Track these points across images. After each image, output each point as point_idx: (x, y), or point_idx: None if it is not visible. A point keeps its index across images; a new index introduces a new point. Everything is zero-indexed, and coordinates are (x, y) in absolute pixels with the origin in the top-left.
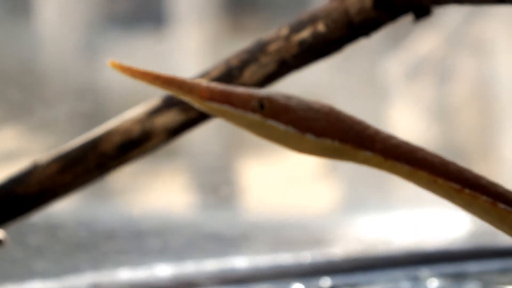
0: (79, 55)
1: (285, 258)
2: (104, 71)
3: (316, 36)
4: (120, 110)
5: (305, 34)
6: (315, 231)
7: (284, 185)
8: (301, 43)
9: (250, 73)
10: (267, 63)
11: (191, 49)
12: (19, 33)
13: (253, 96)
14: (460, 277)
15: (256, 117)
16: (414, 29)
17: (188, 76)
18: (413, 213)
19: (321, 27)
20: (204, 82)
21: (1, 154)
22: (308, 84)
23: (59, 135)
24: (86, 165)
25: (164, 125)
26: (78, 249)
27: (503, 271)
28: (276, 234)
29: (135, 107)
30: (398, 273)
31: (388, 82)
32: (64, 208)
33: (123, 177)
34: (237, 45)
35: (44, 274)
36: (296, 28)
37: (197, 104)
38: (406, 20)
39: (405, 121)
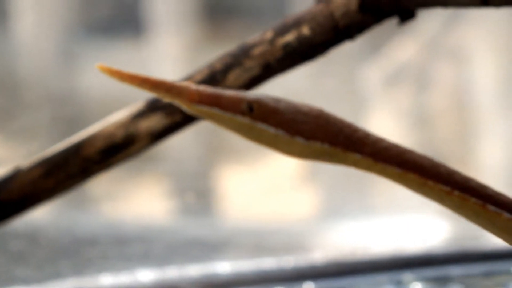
0: (58, 62)
1: (268, 263)
2: (83, 77)
3: (300, 40)
4: (99, 115)
5: (289, 37)
6: (295, 238)
7: (264, 191)
8: (286, 46)
9: (234, 77)
10: (251, 67)
11: (169, 56)
12: None
13: (242, 99)
14: (443, 280)
15: (245, 120)
16: (393, 36)
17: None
18: (392, 219)
19: (305, 30)
20: (193, 85)
21: None
22: (288, 90)
23: (40, 141)
24: (69, 169)
25: (148, 129)
26: (60, 255)
27: (486, 275)
28: (256, 240)
29: (118, 111)
30: (382, 277)
31: (367, 89)
32: (45, 214)
33: (102, 183)
34: (215, 52)
35: (26, 280)
36: (281, 31)
37: (186, 107)
38: (385, 27)
39: (384, 127)
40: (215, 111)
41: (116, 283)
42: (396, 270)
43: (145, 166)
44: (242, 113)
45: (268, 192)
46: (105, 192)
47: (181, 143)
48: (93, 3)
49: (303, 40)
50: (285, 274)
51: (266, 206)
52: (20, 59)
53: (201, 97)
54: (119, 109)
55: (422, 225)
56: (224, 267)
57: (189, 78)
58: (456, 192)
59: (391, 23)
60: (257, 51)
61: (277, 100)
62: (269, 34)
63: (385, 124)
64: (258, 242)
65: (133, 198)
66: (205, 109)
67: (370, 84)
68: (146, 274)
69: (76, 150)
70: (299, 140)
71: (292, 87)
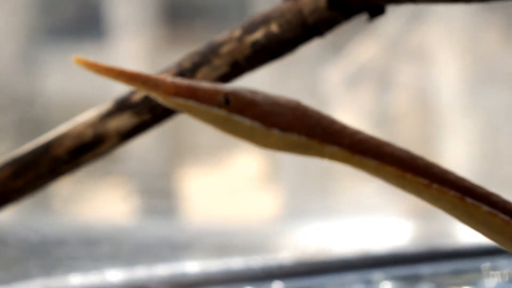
0: (21, 65)
1: (236, 263)
2: (46, 80)
3: (269, 37)
4: (64, 117)
5: (258, 35)
6: (259, 238)
7: (228, 192)
8: (254, 44)
9: (202, 75)
10: (220, 65)
11: (133, 58)
12: None
13: (218, 91)
14: (413, 279)
15: (221, 112)
16: (355, 36)
17: (126, 88)
18: (356, 220)
19: (274, 27)
20: (169, 78)
21: None
22: None
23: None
24: (38, 169)
25: (117, 128)
26: (28, 256)
27: (456, 273)
28: (221, 240)
29: (86, 111)
30: (351, 277)
31: (328, 90)
32: (12, 215)
33: (68, 185)
34: (179, 53)
35: None
36: (249, 29)
37: (162, 100)
38: (346, 27)
39: None
40: (191, 103)
41: (85, 283)
42: (366, 269)
43: (110, 167)
44: (219, 105)
45: (232, 193)
46: (71, 194)
47: (145, 144)
48: (54, 6)
49: (272, 37)
50: (254, 273)
51: (230, 207)
52: None
53: (177, 89)
54: (83, 110)
55: (386, 225)
56: (192, 266)
57: None
58: (435, 185)
59: (352, 23)
60: (225, 49)
61: (254, 92)
62: (237, 32)
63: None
64: (223, 242)
65: (99, 199)
66: (181, 101)
67: (332, 84)
68: (115, 274)
69: (45, 150)
70: (276, 132)
71: (253, 88)
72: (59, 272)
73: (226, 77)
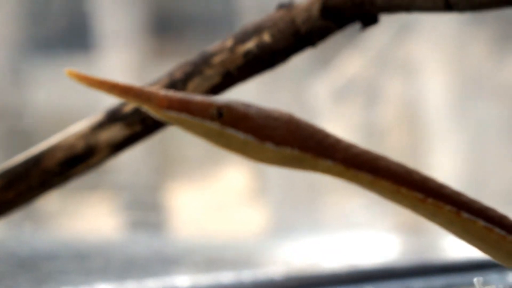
0: (8, 79)
1: (227, 277)
2: (34, 93)
3: (261, 47)
4: (52, 129)
5: (250, 45)
6: (247, 253)
7: (216, 207)
8: (246, 54)
9: (194, 85)
10: (212, 75)
11: (120, 71)
12: None
13: (211, 104)
14: None
15: (214, 126)
16: (342, 50)
17: (117, 100)
18: (343, 235)
19: (266, 37)
20: (162, 91)
21: None
22: None
23: None
24: (29, 181)
25: (108, 140)
26: (18, 270)
27: (448, 287)
28: (208, 255)
29: (77, 123)
30: None
31: (316, 103)
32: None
33: (56, 198)
34: (165, 67)
35: None
36: (241, 39)
37: (155, 113)
38: (334, 40)
39: None
40: (184, 116)
41: None
42: (357, 283)
43: (98, 181)
44: (211, 118)
45: (220, 207)
46: (60, 208)
47: (133, 158)
48: (44, 18)
49: (264, 47)
50: (244, 287)
51: (218, 221)
52: None
53: (170, 102)
54: (72, 122)
55: (374, 240)
56: (183, 280)
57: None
58: (430, 200)
59: (341, 36)
60: (217, 59)
61: (247, 105)
62: (229, 42)
63: None
64: (211, 256)
65: (88, 213)
66: (174, 114)
67: (320, 98)
68: (105, 287)
69: (36, 161)
70: (269, 145)
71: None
72: (49, 286)
73: (218, 88)
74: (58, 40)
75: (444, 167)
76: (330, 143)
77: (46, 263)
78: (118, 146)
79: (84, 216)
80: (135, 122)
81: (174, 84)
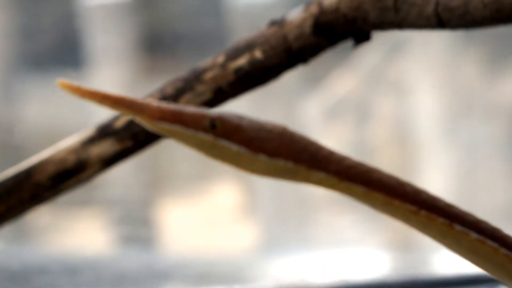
0: None
1: None
2: (24, 110)
3: (253, 63)
4: (41, 145)
5: (241, 61)
6: (236, 269)
7: (206, 223)
8: (238, 70)
9: (185, 101)
10: (203, 91)
11: (109, 89)
12: None
13: (205, 116)
14: None
15: (208, 137)
16: (333, 69)
17: (107, 115)
18: (333, 252)
19: (258, 53)
20: (154, 102)
21: None
22: None
23: None
24: (20, 195)
25: (99, 155)
26: (9, 284)
27: None
28: (197, 271)
29: (67, 138)
30: None
31: (307, 121)
32: None
33: (44, 215)
34: (156, 83)
35: None
36: (232, 55)
37: (147, 124)
38: (325, 59)
39: None
40: (177, 128)
41: None
42: None
43: (88, 196)
44: (205, 130)
45: (210, 223)
46: (50, 223)
47: (123, 173)
48: (34, 34)
49: (256, 63)
50: None
51: (208, 237)
52: None
53: (162, 114)
54: (63, 138)
55: (364, 256)
56: None
57: None
58: (423, 212)
59: (332, 55)
60: (208, 75)
61: (240, 117)
62: (221, 58)
63: None
64: (202, 272)
65: (78, 228)
66: (167, 126)
67: (311, 116)
68: None
69: (27, 175)
70: (262, 157)
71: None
72: None
73: (210, 104)
74: (49, 57)
75: (435, 185)
76: (323, 155)
77: (37, 277)
78: (109, 161)
79: (75, 231)
80: (126, 137)
81: (166, 99)
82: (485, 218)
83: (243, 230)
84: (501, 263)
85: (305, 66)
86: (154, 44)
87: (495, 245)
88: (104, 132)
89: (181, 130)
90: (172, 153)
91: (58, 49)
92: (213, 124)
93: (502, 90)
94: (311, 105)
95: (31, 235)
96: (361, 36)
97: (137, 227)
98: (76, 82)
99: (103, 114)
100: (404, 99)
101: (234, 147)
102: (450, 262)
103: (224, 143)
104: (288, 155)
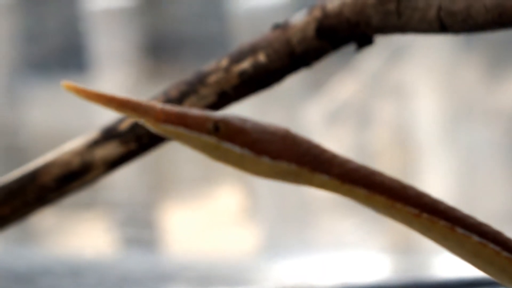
0: (2, 97)
1: None
2: (29, 114)
3: (256, 67)
4: (45, 148)
5: (245, 64)
6: (238, 272)
7: (208, 226)
8: (241, 74)
9: (189, 104)
10: (207, 94)
11: (114, 92)
12: None
13: (208, 118)
14: None
15: (211, 140)
16: (335, 73)
17: (110, 118)
18: (334, 255)
19: (262, 57)
20: (159, 104)
21: None
22: None
23: None
24: (25, 197)
25: (104, 157)
26: (14, 285)
27: None
28: (199, 274)
29: (72, 140)
30: None
31: (309, 126)
32: None
33: (48, 217)
34: (159, 88)
35: None
36: (236, 58)
37: (152, 126)
38: (327, 64)
39: None
40: (181, 130)
41: None
42: None
43: (92, 199)
44: (208, 132)
45: (212, 226)
46: (55, 225)
47: (127, 176)
48: (38, 38)
49: (259, 67)
50: None
51: (211, 240)
52: None
53: (167, 116)
54: (66, 141)
55: (365, 260)
56: None
57: None
58: (425, 215)
59: (333, 60)
60: (212, 78)
61: (244, 120)
62: (224, 62)
63: None
64: (204, 275)
65: (82, 230)
66: (171, 128)
67: (313, 121)
68: None
69: (32, 177)
70: (266, 160)
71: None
72: None
73: (213, 107)
74: (54, 60)
75: (436, 189)
76: (326, 158)
77: (41, 278)
78: (114, 163)
79: (78, 233)
80: (130, 140)
81: (170, 102)
82: (486, 221)
83: (245, 232)
84: (503, 266)
85: (308, 69)
86: (157, 48)
87: (497, 248)
88: (109, 134)
89: (185, 132)
90: (176, 156)
91: (62, 53)
92: (216, 126)
93: (502, 94)
94: (313, 109)
95: (36, 236)
96: (364, 40)
97: (141, 229)
98: (80, 85)
99: (107, 117)
100: (405, 104)
101: (237, 150)
102: (450, 265)
103: (227, 145)
104: (291, 158)
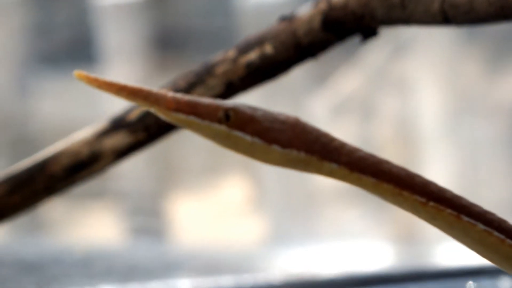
0: (14, 90)
1: (227, 281)
2: (39, 106)
3: (263, 58)
4: (54, 139)
5: (252, 56)
6: (244, 261)
7: (215, 216)
8: (249, 65)
9: (197, 95)
10: (214, 85)
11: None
12: None
13: (219, 107)
14: None
15: (222, 128)
16: (339, 67)
17: (119, 109)
18: (338, 244)
19: (268, 48)
20: (170, 93)
21: None
22: None
23: None
24: (34, 186)
25: (112, 147)
26: (24, 273)
27: None
28: (205, 263)
29: (81, 130)
30: None
31: (313, 119)
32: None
33: (57, 207)
34: (165, 82)
35: None
36: (243, 49)
37: (163, 115)
38: (331, 58)
39: None
40: (192, 119)
41: None
42: None
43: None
44: (219, 121)
45: (219, 216)
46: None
47: (135, 167)
48: (48, 32)
49: (266, 58)
50: None
51: (217, 230)
52: None
53: (178, 104)
54: (74, 133)
55: (368, 249)
56: (183, 284)
57: None
58: (431, 203)
59: (337, 54)
60: (220, 69)
61: (254, 109)
62: (232, 53)
63: None
64: (210, 263)
65: (91, 220)
66: (182, 117)
67: (317, 114)
68: None
69: (41, 167)
70: (276, 148)
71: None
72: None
73: (221, 97)
74: (64, 53)
75: (437, 181)
76: (335, 146)
77: (50, 267)
78: (122, 153)
79: (88, 222)
80: (138, 130)
81: (177, 92)
82: None
83: (251, 222)
84: (507, 253)
85: (313, 61)
86: (165, 42)
87: (501, 236)
88: (117, 124)
89: (196, 121)
90: (183, 146)
91: (72, 46)
92: (227, 115)
93: (504, 88)
94: (317, 102)
95: (45, 226)
96: (368, 32)
97: (149, 218)
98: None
99: (116, 108)
100: (408, 98)
101: (248, 138)
102: (452, 254)
103: (238, 134)
104: (301, 146)
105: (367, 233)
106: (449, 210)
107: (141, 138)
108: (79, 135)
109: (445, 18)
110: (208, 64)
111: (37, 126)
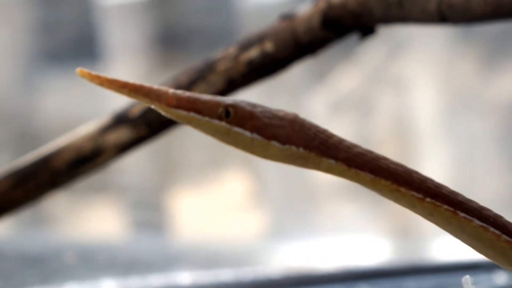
0: (18, 86)
1: (227, 275)
2: (43, 102)
3: (263, 55)
4: (58, 135)
5: (253, 53)
6: (244, 255)
7: (216, 210)
8: (249, 62)
9: (198, 91)
10: (215, 81)
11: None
12: None
13: (219, 104)
14: None
15: (222, 125)
16: (337, 65)
17: (122, 106)
18: (336, 238)
19: (269, 46)
20: (171, 90)
21: None
22: None
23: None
24: (38, 181)
25: (115, 141)
26: (26, 266)
27: (438, 286)
28: (206, 256)
29: (85, 125)
30: None
31: (311, 116)
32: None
33: (60, 201)
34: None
35: None
36: (244, 47)
37: (164, 111)
38: (329, 56)
39: None
40: (192, 115)
41: None
42: (352, 282)
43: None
44: (219, 117)
45: (220, 210)
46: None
47: (137, 161)
48: (53, 29)
49: (266, 55)
50: (244, 285)
51: (218, 224)
52: None
53: (178, 101)
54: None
55: (366, 243)
56: (184, 277)
57: None
58: (428, 199)
59: (335, 52)
60: (221, 66)
61: (253, 105)
62: (233, 50)
63: None
64: (211, 257)
65: (93, 213)
66: (183, 113)
67: (315, 111)
68: (110, 283)
69: (45, 161)
70: (275, 144)
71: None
72: (56, 281)
73: (222, 93)
74: (68, 50)
75: (434, 178)
76: (333, 142)
77: (53, 260)
78: (124, 148)
79: (90, 216)
80: (141, 125)
81: (179, 89)
82: None
83: (251, 216)
84: (503, 249)
85: (313, 58)
86: (168, 40)
87: (497, 232)
88: (120, 120)
89: (196, 117)
90: (185, 141)
91: (76, 44)
92: (227, 111)
93: (499, 86)
94: (316, 99)
95: (48, 220)
96: (367, 30)
97: (150, 212)
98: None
99: (119, 105)
100: (405, 96)
101: (247, 134)
102: (448, 249)
103: (238, 130)
104: (300, 142)
105: (364, 228)
106: (445, 206)
107: (143, 133)
108: (82, 130)
109: (442, 17)
110: (209, 61)
111: (41, 122)
